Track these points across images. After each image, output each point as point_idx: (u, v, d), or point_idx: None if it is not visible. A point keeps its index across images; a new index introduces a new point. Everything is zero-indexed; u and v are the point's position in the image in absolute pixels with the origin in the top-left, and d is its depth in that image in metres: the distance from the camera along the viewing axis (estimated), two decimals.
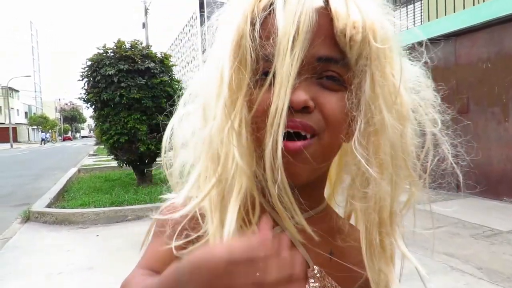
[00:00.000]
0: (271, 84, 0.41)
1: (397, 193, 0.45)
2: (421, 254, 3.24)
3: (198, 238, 0.44)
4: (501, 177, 5.23)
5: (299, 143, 0.42)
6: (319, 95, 0.42)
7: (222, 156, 0.43)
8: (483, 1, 5.47)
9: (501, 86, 5.19)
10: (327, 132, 0.42)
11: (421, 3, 7.61)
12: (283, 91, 0.39)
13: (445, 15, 6.04)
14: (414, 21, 7.72)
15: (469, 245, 3.52)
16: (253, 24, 0.42)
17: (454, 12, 5.85)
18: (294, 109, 0.41)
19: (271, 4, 0.42)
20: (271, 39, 0.41)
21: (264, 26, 0.42)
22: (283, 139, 0.40)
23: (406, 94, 0.45)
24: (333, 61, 0.42)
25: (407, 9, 7.78)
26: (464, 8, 5.77)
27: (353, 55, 0.42)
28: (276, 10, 0.41)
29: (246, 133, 0.43)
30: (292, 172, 0.42)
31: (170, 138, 0.51)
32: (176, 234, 0.45)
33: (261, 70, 0.42)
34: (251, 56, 0.42)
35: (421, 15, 7.58)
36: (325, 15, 0.41)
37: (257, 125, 0.42)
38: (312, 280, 0.47)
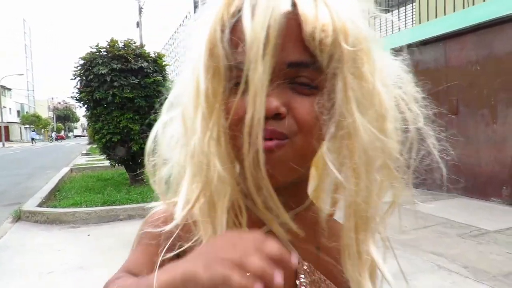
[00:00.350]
0: (245, 92, 0.41)
1: (373, 199, 0.45)
2: (410, 253, 3.31)
3: (191, 247, 0.45)
4: (489, 178, 5.32)
5: (270, 143, 0.41)
6: (291, 101, 0.41)
7: (205, 165, 0.43)
8: (473, 4, 5.56)
9: (489, 89, 5.27)
10: (299, 135, 0.42)
11: (412, 6, 7.68)
12: (258, 100, 0.39)
13: (436, 17, 6.12)
14: (405, 23, 7.80)
15: (457, 244, 3.58)
16: (224, 32, 0.42)
17: (445, 15, 5.93)
18: (266, 116, 0.40)
19: (240, 10, 0.41)
20: (241, 47, 0.40)
21: (234, 33, 0.41)
22: None
23: (385, 92, 0.44)
24: (304, 65, 0.41)
25: (398, 11, 7.86)
26: (454, 11, 5.85)
27: (324, 59, 0.41)
28: (244, 17, 0.40)
29: (225, 142, 0.43)
30: (268, 173, 0.42)
31: (154, 144, 0.51)
32: (168, 245, 0.46)
33: (235, 78, 0.42)
34: (224, 65, 0.42)
35: (412, 18, 7.66)
36: (293, 19, 0.40)
37: (233, 133, 0.42)
38: (303, 276, 0.48)
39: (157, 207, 0.51)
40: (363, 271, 0.46)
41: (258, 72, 0.39)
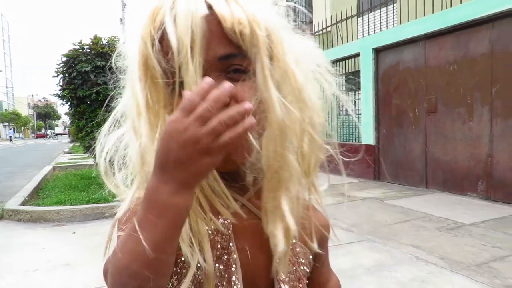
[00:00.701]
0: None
1: (288, 162, 0.49)
2: (390, 246, 3.44)
3: None
4: (465, 173, 5.53)
5: None
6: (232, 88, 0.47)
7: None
8: (450, 6, 5.74)
9: (466, 88, 5.47)
10: None
11: (393, 6, 7.85)
12: None
13: (416, 18, 6.29)
14: (387, 24, 7.97)
15: (434, 237, 3.73)
16: (153, 44, 0.47)
17: (424, 16, 6.11)
18: None
19: (164, 23, 0.46)
20: (170, 54, 0.46)
21: (163, 43, 0.47)
22: None
23: (298, 68, 0.50)
24: (232, 56, 0.47)
25: (380, 11, 8.02)
26: (433, 12, 6.03)
27: (247, 47, 0.46)
28: (167, 28, 0.45)
29: None
30: (225, 161, 0.44)
31: (106, 152, 0.56)
32: None
33: (172, 82, 0.47)
34: (160, 72, 0.47)
35: (393, 18, 7.83)
36: (213, 19, 0.46)
37: None
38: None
39: (121, 206, 0.54)
40: (277, 226, 0.51)
41: (190, 72, 0.44)
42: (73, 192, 5.92)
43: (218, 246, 0.51)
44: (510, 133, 4.97)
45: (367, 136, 7.21)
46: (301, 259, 0.57)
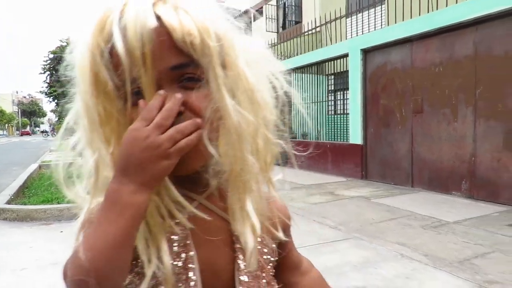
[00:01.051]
0: (135, 103, 0.48)
1: (249, 165, 0.51)
2: (376, 244, 3.52)
3: None
4: (450, 173, 5.66)
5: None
6: (187, 97, 0.48)
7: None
8: (436, 9, 5.86)
9: (451, 89, 5.60)
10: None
11: (381, 8, 7.96)
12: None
13: (403, 20, 6.40)
14: (375, 25, 8.08)
15: (419, 235, 3.83)
16: (103, 57, 0.47)
17: (411, 18, 6.22)
18: None
19: (112, 34, 0.46)
20: (121, 66, 0.46)
21: (113, 54, 0.46)
22: None
23: (251, 69, 0.51)
24: (184, 66, 0.47)
25: (369, 13, 8.13)
26: (419, 14, 6.14)
27: (199, 56, 0.47)
28: (116, 41, 0.45)
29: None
30: (184, 166, 0.48)
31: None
32: None
33: (123, 95, 0.48)
34: (112, 86, 0.47)
35: (381, 19, 7.94)
36: (163, 30, 0.45)
37: None
38: (241, 256, 0.55)
39: (82, 211, 0.56)
40: (245, 225, 0.53)
41: (144, 83, 0.46)
42: (60, 191, 5.83)
43: (176, 244, 0.52)
44: (492, 133, 5.11)
45: (355, 136, 7.31)
46: (263, 249, 0.59)
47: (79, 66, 0.49)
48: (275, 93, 0.56)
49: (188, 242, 0.52)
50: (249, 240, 0.53)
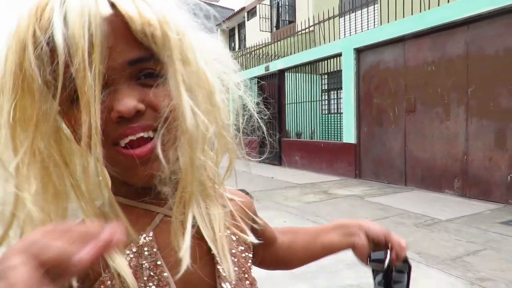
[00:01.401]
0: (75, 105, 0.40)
1: (197, 173, 0.46)
2: None
3: None
4: (442, 171, 5.70)
5: (148, 145, 0.43)
6: (145, 95, 0.43)
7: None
8: (428, 8, 5.90)
9: (443, 88, 5.64)
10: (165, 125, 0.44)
11: (374, 7, 8.01)
12: (92, 109, 0.39)
13: (396, 19, 6.43)
14: (368, 24, 8.12)
15: (412, 233, 3.85)
16: (37, 49, 0.39)
17: (404, 17, 6.26)
18: (127, 118, 0.41)
19: (52, 22, 0.38)
20: (61, 61, 0.38)
21: (53, 48, 0.39)
22: (125, 148, 0.42)
23: (209, 69, 0.46)
24: (143, 60, 0.42)
25: (361, 12, 8.16)
26: (412, 14, 6.18)
27: (159, 49, 0.42)
28: (55, 30, 0.38)
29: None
30: (137, 175, 0.44)
31: None
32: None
33: (52, 94, 0.40)
34: (38, 83, 0.39)
35: (374, 19, 7.98)
36: (117, 20, 0.40)
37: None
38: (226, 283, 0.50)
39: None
40: (180, 242, 0.46)
41: (88, 82, 0.38)
42: None
43: (144, 267, 0.45)
44: (484, 132, 5.16)
45: (348, 135, 7.34)
46: (239, 247, 0.55)
47: (3, 55, 0.40)
48: (227, 96, 0.52)
49: (158, 263, 0.46)
50: (185, 257, 0.45)
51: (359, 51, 7.10)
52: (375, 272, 0.66)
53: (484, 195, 5.14)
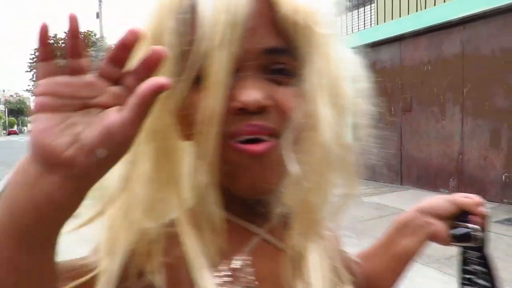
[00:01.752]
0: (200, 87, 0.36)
1: (323, 197, 0.41)
2: (364, 241, 3.52)
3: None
4: (438, 170, 5.71)
5: (263, 145, 0.36)
6: (272, 92, 0.37)
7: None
8: (425, 8, 5.91)
9: (439, 88, 5.65)
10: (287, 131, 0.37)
11: (371, 7, 8.01)
12: (219, 92, 0.34)
13: (392, 19, 6.44)
14: (364, 24, 8.12)
15: None
16: (175, 20, 0.36)
17: (400, 17, 6.26)
18: (249, 112, 0.35)
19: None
20: (198, 35, 0.35)
21: (193, 21, 0.35)
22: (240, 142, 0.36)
23: (347, 85, 0.41)
24: (280, 52, 0.37)
25: (358, 11, 8.16)
26: (408, 13, 6.19)
27: (299, 43, 0.37)
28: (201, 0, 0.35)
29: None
30: (259, 180, 0.37)
31: None
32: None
33: (193, 72, 0.36)
34: (177, 56, 0.36)
35: (370, 18, 7.98)
36: (263, 0, 0.36)
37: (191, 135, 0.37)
38: None
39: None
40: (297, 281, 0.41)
41: (221, 61, 0.34)
42: None
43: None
44: (479, 132, 5.17)
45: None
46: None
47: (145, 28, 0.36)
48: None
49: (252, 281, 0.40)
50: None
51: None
52: (464, 253, 0.56)
53: (479, 194, 5.02)
